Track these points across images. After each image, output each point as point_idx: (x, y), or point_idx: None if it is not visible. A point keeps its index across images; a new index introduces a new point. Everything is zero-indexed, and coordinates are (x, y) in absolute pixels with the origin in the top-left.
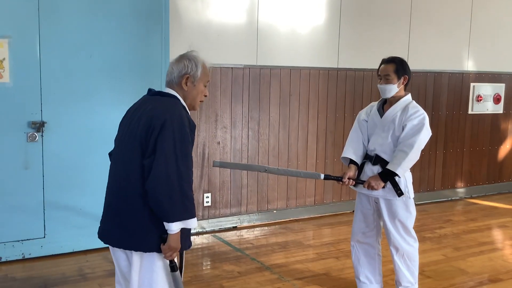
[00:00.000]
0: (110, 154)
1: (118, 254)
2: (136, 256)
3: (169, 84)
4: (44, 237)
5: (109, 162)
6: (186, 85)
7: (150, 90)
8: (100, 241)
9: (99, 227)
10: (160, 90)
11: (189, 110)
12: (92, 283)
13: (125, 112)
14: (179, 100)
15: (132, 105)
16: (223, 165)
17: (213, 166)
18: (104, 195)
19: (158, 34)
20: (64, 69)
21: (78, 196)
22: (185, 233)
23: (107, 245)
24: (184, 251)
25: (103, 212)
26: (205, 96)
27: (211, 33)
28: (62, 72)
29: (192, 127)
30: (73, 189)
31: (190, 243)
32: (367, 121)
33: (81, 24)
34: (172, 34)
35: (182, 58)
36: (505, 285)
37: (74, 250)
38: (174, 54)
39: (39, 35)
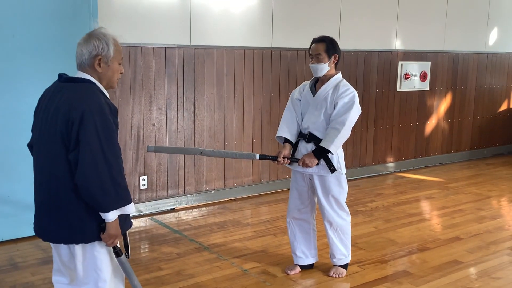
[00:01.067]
0: (29, 145)
1: (58, 247)
2: (77, 247)
3: (80, 67)
4: None
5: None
6: (100, 66)
7: (61, 76)
8: (34, 232)
9: (34, 223)
10: (72, 75)
11: (106, 89)
12: (24, 272)
13: (38, 101)
14: (95, 84)
15: (44, 93)
16: (157, 149)
17: (147, 151)
18: (33, 185)
19: (86, 12)
20: None
21: (6, 183)
22: (123, 217)
23: None
24: (127, 231)
25: (36, 209)
26: (121, 73)
27: (142, 11)
28: None
29: (113, 111)
30: (0, 175)
31: (130, 223)
32: (300, 100)
33: (2, 2)
34: (100, 12)
35: (91, 37)
36: (432, 253)
37: (3, 239)
38: None
39: None
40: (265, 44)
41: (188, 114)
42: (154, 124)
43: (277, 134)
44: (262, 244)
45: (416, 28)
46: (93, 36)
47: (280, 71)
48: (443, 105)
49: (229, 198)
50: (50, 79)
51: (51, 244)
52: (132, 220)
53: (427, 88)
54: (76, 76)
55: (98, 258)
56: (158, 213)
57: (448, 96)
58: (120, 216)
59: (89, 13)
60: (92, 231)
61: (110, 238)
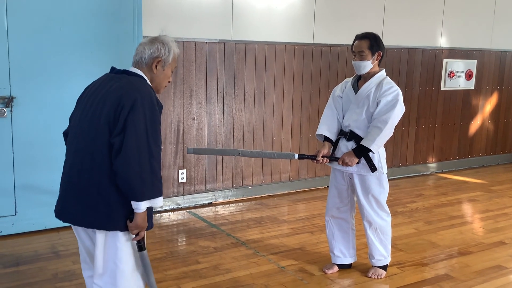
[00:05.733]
0: (65, 133)
1: (81, 233)
2: (99, 235)
3: (137, 64)
4: (16, 214)
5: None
6: (156, 68)
7: (113, 68)
8: (55, 213)
9: (57, 205)
10: (125, 68)
11: None
12: (65, 260)
13: (84, 89)
14: (146, 80)
15: (92, 83)
16: (197, 151)
17: (187, 153)
18: (62, 167)
19: (130, 6)
20: (33, 42)
21: (49, 172)
22: (149, 213)
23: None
24: (145, 232)
25: (62, 190)
26: (169, 82)
27: (185, 6)
28: (31, 45)
29: (159, 107)
30: (44, 165)
31: (151, 224)
32: (341, 97)
33: None
34: (144, 7)
35: (156, 40)
36: (475, 258)
37: (46, 228)
38: (146, 27)
39: (6, 7)
40: (306, 40)
41: (228, 109)
42: (194, 118)
43: (317, 132)
44: (299, 241)
45: (462, 25)
46: (158, 39)
47: (321, 68)
48: (488, 105)
49: (266, 194)
50: (94, 72)
51: (74, 232)
52: (170, 212)
53: (472, 87)
54: (130, 70)
55: (119, 249)
56: (195, 206)
57: (494, 96)
58: (146, 211)
59: (133, 8)
60: (117, 219)
61: (137, 228)
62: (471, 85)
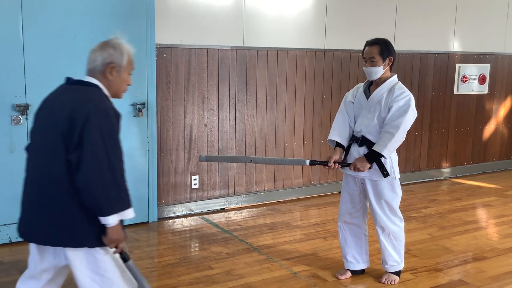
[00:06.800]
0: (26, 149)
1: (45, 251)
2: (74, 252)
3: (90, 73)
4: None
5: None
6: (111, 74)
7: (68, 79)
8: (18, 233)
9: (20, 224)
10: (80, 79)
11: (113, 98)
12: None
13: (41, 103)
14: (101, 89)
15: (49, 95)
16: (209, 159)
17: (199, 161)
18: (23, 185)
19: (143, 14)
20: (48, 50)
21: None
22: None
23: None
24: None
25: (23, 209)
26: (128, 85)
27: (197, 14)
28: (46, 53)
29: (117, 116)
30: None
31: (124, 234)
32: (353, 103)
33: (65, 4)
34: (157, 15)
35: (106, 45)
36: (490, 263)
37: None
38: (159, 35)
39: (22, 17)
40: (318, 45)
41: (240, 115)
42: (206, 125)
43: (329, 138)
44: (312, 247)
45: (475, 29)
46: (109, 44)
47: (333, 73)
48: (502, 109)
49: (279, 200)
50: None
51: (31, 248)
52: (183, 218)
53: (486, 92)
54: (84, 79)
55: (100, 260)
56: (208, 212)
57: (508, 100)
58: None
59: (146, 17)
60: (83, 235)
61: (112, 242)
62: (484, 89)
